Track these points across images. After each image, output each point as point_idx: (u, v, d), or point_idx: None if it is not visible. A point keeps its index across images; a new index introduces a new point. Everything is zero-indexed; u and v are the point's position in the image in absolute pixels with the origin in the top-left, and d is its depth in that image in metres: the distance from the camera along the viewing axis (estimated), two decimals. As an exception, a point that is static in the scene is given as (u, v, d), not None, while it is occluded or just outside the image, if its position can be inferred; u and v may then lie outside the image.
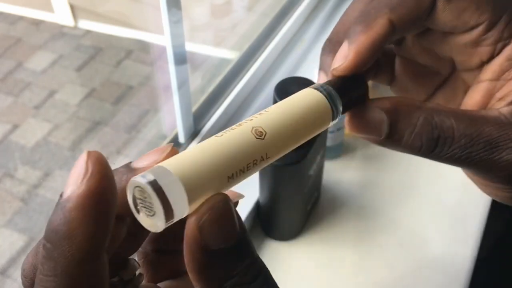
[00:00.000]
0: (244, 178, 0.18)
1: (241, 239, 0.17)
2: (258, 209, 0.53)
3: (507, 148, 0.21)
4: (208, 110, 0.56)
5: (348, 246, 0.53)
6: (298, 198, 0.50)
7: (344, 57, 0.22)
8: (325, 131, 0.50)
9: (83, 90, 1.65)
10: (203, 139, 0.53)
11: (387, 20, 0.21)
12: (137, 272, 0.20)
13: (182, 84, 0.49)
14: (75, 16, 1.89)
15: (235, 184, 0.18)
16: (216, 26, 0.90)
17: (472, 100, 0.24)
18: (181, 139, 0.52)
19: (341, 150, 0.60)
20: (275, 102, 0.39)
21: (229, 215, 0.17)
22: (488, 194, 0.25)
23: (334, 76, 0.23)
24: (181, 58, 0.48)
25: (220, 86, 0.59)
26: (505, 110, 0.22)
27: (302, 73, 0.66)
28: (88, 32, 1.86)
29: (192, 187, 0.16)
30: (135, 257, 0.21)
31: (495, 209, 0.59)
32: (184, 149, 0.52)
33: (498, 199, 0.24)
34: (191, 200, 0.16)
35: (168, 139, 0.53)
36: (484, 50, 0.23)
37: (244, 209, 0.51)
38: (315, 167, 0.49)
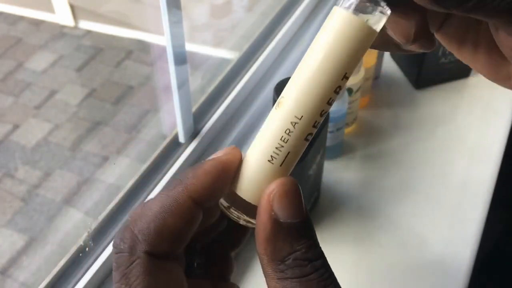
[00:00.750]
0: (292, 149, 0.19)
1: (306, 221, 0.19)
2: (258, 209, 0.53)
3: None
4: (208, 110, 0.56)
5: (347, 246, 0.53)
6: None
7: None
8: (325, 131, 0.50)
9: (83, 90, 1.65)
10: (203, 139, 0.53)
11: None
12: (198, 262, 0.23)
13: (182, 84, 0.49)
14: (75, 17, 1.89)
15: (288, 162, 0.20)
16: (216, 26, 0.90)
17: None
18: (181, 139, 0.53)
19: (341, 150, 0.60)
20: (274, 102, 0.39)
21: (296, 194, 0.19)
22: None
23: None
24: (181, 58, 0.48)
25: (220, 86, 0.59)
26: None
27: (302, 73, 0.66)
28: (88, 32, 1.87)
29: (241, 187, 0.20)
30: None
31: (495, 210, 0.59)
32: (185, 148, 0.52)
33: None
34: (246, 195, 0.20)
35: (168, 139, 0.53)
36: None
37: (244, 209, 0.51)
38: (314, 167, 0.49)
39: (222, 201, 0.21)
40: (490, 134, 0.63)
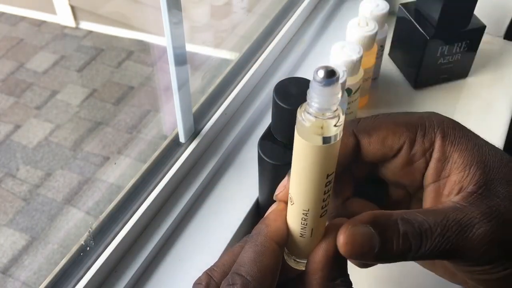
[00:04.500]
0: (313, 225, 0.25)
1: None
2: (257, 208, 0.53)
3: (474, 225, 0.24)
4: (209, 110, 0.56)
5: (347, 245, 0.53)
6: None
7: (284, 186, 0.26)
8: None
9: (84, 90, 1.66)
10: (203, 139, 0.53)
11: None
12: None
13: (183, 85, 0.49)
14: (76, 17, 1.89)
15: (316, 233, 0.25)
16: (216, 27, 0.90)
17: (427, 203, 0.27)
18: (182, 139, 0.53)
19: (340, 150, 0.61)
20: (274, 102, 0.39)
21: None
22: (480, 283, 0.27)
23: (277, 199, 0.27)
24: (182, 59, 0.48)
25: (220, 86, 0.59)
26: (456, 199, 0.25)
27: (302, 73, 0.67)
28: (89, 33, 1.87)
29: (291, 250, 0.27)
30: None
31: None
32: (185, 148, 0.52)
33: (489, 286, 0.26)
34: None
35: (168, 139, 0.53)
36: (419, 164, 0.27)
37: (243, 208, 0.51)
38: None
39: (287, 258, 0.28)
40: (489, 134, 0.63)
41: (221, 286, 0.24)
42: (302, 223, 0.25)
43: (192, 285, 0.26)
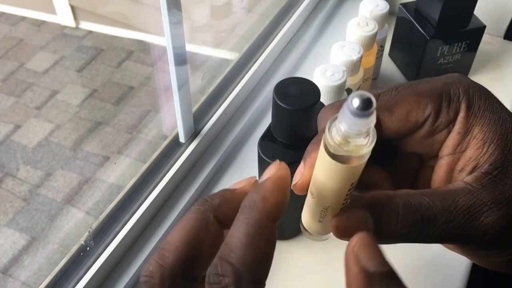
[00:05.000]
0: (333, 214, 0.24)
1: (393, 268, 0.23)
2: (257, 208, 0.53)
3: (483, 212, 0.22)
4: (209, 110, 0.56)
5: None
6: (298, 197, 0.50)
7: (301, 173, 0.24)
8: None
9: (84, 90, 1.66)
10: (203, 139, 0.53)
11: None
12: None
13: (183, 85, 0.49)
14: (76, 17, 1.89)
15: (326, 222, 0.24)
16: (216, 27, 0.90)
17: (438, 177, 0.26)
18: (182, 139, 0.53)
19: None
20: (274, 102, 0.39)
21: (376, 244, 0.22)
22: (484, 264, 0.26)
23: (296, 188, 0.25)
24: (182, 59, 0.48)
25: (220, 86, 0.59)
26: (468, 179, 0.24)
27: (302, 73, 0.67)
28: (89, 33, 1.87)
29: (311, 229, 0.26)
30: None
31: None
32: (185, 148, 0.52)
33: (493, 267, 0.26)
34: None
35: (168, 139, 0.54)
36: (441, 135, 0.25)
37: (243, 208, 0.51)
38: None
39: (303, 230, 0.27)
40: (489, 134, 0.63)
41: (207, 275, 0.19)
42: (321, 214, 0.24)
43: (142, 279, 0.21)
